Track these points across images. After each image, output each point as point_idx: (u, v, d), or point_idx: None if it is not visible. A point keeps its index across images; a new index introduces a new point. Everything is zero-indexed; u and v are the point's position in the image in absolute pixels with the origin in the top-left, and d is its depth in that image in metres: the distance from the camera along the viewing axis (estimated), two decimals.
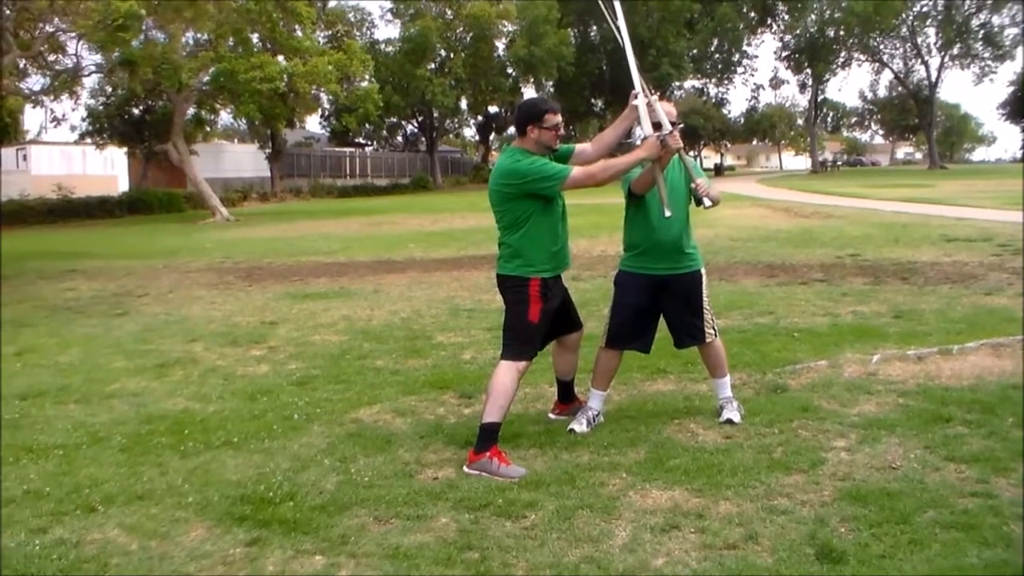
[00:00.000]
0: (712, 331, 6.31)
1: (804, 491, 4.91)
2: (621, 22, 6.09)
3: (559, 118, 5.82)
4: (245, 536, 4.55)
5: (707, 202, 5.90)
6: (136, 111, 47.53)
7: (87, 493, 5.18)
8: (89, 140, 48.56)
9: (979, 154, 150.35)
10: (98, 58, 33.77)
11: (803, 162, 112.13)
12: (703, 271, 6.31)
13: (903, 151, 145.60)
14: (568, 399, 6.54)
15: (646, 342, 6.41)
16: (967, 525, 4.34)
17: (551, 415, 6.54)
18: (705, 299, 6.27)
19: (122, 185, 53.88)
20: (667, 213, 5.76)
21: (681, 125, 6.02)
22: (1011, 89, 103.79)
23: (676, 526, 4.50)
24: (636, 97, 5.86)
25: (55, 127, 43.86)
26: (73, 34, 28.81)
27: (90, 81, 40.27)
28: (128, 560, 4.33)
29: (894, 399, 6.59)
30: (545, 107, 5.84)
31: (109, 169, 54.89)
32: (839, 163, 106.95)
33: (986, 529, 4.29)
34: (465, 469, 5.45)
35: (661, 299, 6.21)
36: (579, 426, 6.17)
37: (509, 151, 5.86)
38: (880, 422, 6.05)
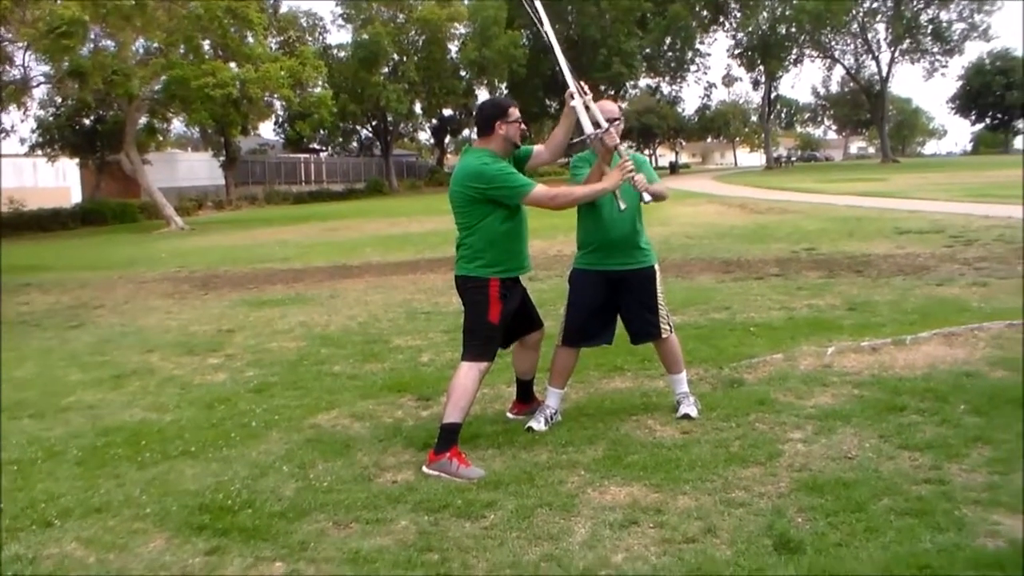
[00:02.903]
0: (667, 327, 6.33)
1: (762, 483, 4.95)
2: (547, 25, 6.13)
3: (518, 112, 5.88)
4: (204, 545, 4.52)
5: (647, 197, 5.91)
6: (87, 121, 47.07)
7: (43, 507, 5.12)
8: (40, 152, 48.04)
9: (930, 147, 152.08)
10: (46, 68, 33.48)
11: (758, 158, 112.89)
12: (657, 267, 6.33)
13: (856, 146, 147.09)
14: (527, 399, 6.55)
15: (605, 337, 6.43)
16: (921, 511, 4.40)
17: (509, 414, 6.55)
18: (660, 295, 6.28)
19: (75, 197, 53.24)
20: (622, 206, 5.79)
21: (617, 121, 6.05)
22: (960, 83, 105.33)
23: (635, 521, 4.52)
24: (572, 98, 5.88)
25: (4, 139, 43.40)
26: (20, 44, 28.52)
27: (39, 92, 39.85)
28: (86, 574, 4.29)
29: (849, 390, 6.66)
30: (506, 102, 5.96)
31: (61, 181, 54.26)
32: (793, 159, 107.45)
33: (939, 515, 4.34)
34: (424, 470, 5.45)
35: (616, 296, 6.24)
36: (537, 424, 6.18)
37: (475, 152, 5.84)
38: (836, 413, 6.11)
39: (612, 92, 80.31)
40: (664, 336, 6.31)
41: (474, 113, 6.13)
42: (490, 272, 5.73)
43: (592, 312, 6.28)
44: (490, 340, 5.83)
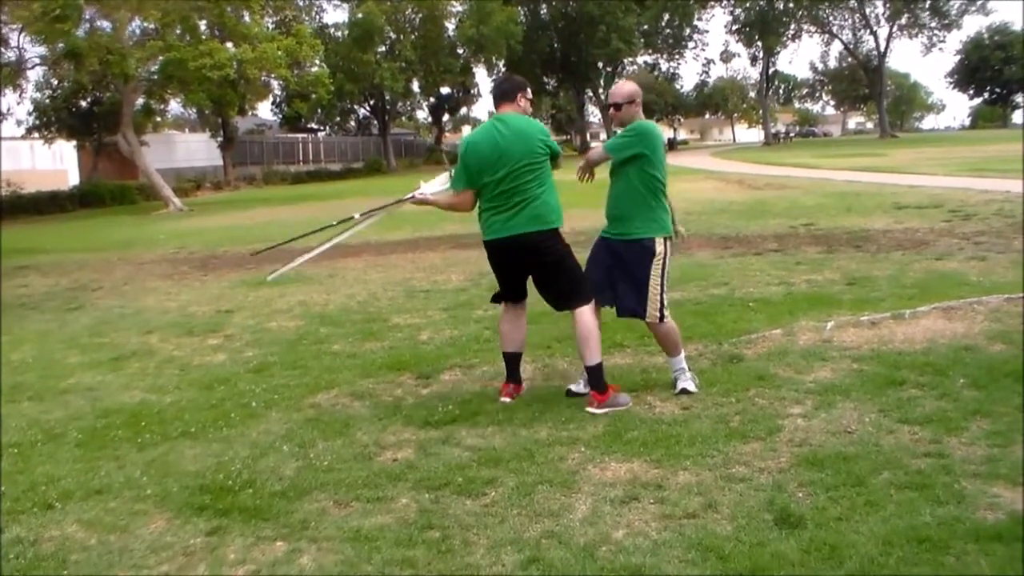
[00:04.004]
0: (657, 313, 6.28)
1: (762, 458, 4.95)
2: None
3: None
4: (205, 526, 4.52)
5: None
6: (83, 103, 46.96)
7: (44, 490, 5.12)
8: (36, 134, 47.93)
9: (928, 122, 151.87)
10: (42, 50, 33.35)
11: (756, 134, 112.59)
12: (660, 248, 6.26)
13: (854, 121, 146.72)
14: (519, 378, 6.55)
15: (606, 297, 6.44)
16: (921, 485, 4.40)
17: (507, 399, 6.37)
18: (654, 277, 6.24)
19: (72, 179, 53.10)
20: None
21: (611, 107, 6.50)
22: (958, 58, 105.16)
23: (635, 497, 4.52)
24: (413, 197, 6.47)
25: (1, 122, 43.28)
26: (14, 26, 28.39)
27: (34, 74, 39.74)
28: (87, 555, 4.29)
29: (849, 365, 6.66)
30: (525, 80, 6.52)
31: (58, 163, 54.10)
32: (791, 134, 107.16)
33: (939, 488, 4.35)
34: (594, 411, 5.90)
35: (614, 263, 6.33)
36: (577, 387, 6.43)
37: (515, 115, 6.16)
38: (835, 388, 6.12)
39: (610, 69, 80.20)
40: (649, 320, 6.31)
41: (497, 82, 6.41)
42: (560, 220, 6.18)
43: (593, 269, 6.42)
44: (585, 279, 6.28)
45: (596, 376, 6.02)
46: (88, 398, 7.25)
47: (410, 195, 6.42)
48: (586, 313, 6.08)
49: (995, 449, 4.83)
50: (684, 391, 6.22)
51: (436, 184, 6.50)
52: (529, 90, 6.35)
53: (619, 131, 6.43)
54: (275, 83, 47.25)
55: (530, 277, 6.33)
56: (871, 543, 3.86)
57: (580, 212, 13.19)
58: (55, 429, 6.37)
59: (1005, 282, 9.30)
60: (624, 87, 6.55)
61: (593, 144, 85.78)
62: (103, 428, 6.32)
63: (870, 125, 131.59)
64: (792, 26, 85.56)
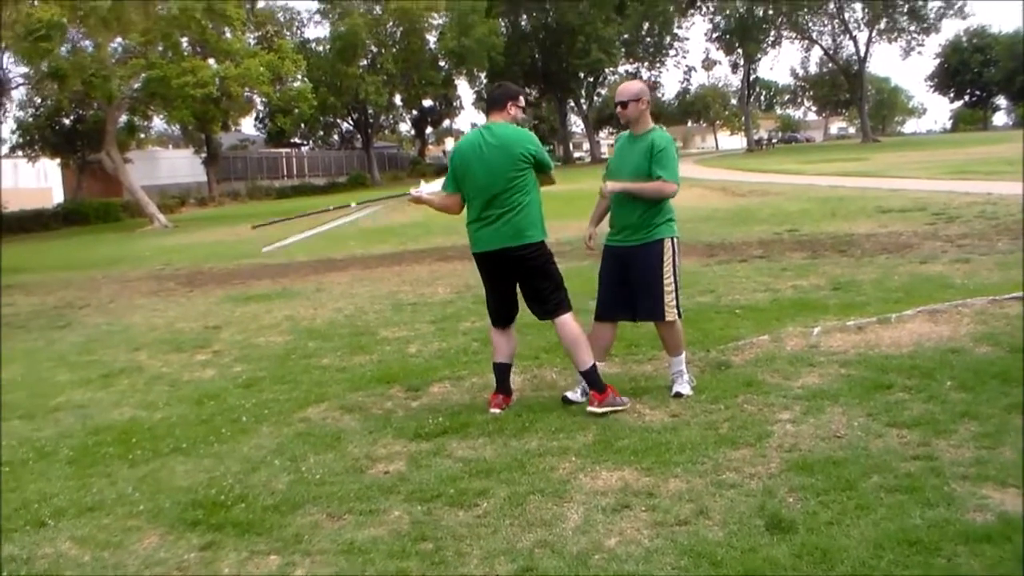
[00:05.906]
0: (674, 311, 6.39)
1: (752, 464, 4.97)
2: None
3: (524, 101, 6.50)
4: (199, 541, 4.52)
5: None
6: (67, 121, 46.92)
7: (36, 508, 5.12)
8: (20, 153, 47.82)
9: (910, 126, 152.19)
10: (25, 69, 33.32)
11: (738, 141, 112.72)
12: (668, 245, 6.45)
13: (836, 126, 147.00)
14: (509, 389, 6.55)
15: (626, 312, 6.59)
16: (910, 488, 4.43)
17: (497, 410, 6.34)
18: (667, 276, 6.37)
19: (57, 197, 53.05)
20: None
21: (618, 106, 6.54)
22: (938, 61, 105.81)
23: (627, 505, 4.54)
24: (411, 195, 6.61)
25: None
26: None
27: (17, 93, 39.70)
28: (81, 572, 4.29)
29: (836, 369, 6.69)
30: (518, 89, 6.55)
31: (42, 181, 54.01)
32: (774, 141, 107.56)
33: (928, 490, 4.38)
34: (594, 410, 6.02)
35: (627, 272, 6.42)
36: (574, 395, 6.43)
37: (503, 124, 6.20)
38: (823, 393, 6.14)
39: (591, 79, 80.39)
40: (669, 319, 6.38)
41: (490, 90, 6.51)
42: (543, 233, 6.24)
43: (607, 285, 6.53)
44: (564, 287, 6.38)
45: (592, 377, 6.12)
46: (78, 415, 7.24)
47: (410, 192, 6.54)
48: (568, 320, 6.20)
49: (983, 451, 4.86)
50: (678, 395, 6.29)
51: (436, 185, 6.59)
52: (521, 98, 6.40)
53: (627, 131, 6.64)
54: (258, 99, 47.27)
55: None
56: (862, 547, 3.89)
57: (561, 223, 13.25)
58: (46, 447, 6.36)
59: (990, 284, 9.34)
60: (632, 85, 6.64)
61: (578, 155, 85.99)
62: (94, 445, 6.31)
63: (852, 130, 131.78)
64: (772, 33, 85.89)
